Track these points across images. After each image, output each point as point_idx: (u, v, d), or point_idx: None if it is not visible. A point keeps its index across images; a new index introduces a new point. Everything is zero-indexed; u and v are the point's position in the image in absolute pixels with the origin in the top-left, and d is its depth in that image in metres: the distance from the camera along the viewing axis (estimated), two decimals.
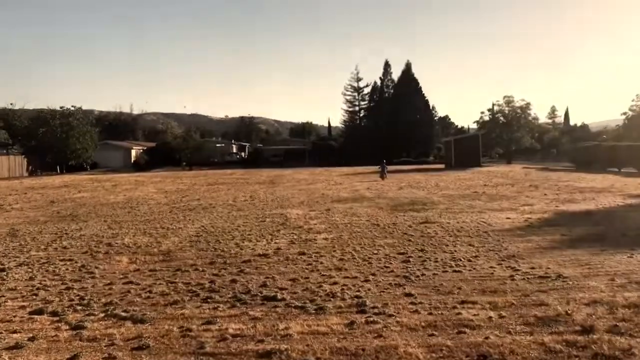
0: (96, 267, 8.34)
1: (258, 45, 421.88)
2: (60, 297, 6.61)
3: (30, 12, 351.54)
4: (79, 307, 6.15)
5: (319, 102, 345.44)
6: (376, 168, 35.73)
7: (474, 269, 7.80)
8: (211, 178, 36.09)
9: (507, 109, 51.99)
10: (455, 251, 9.10)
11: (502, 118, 52.34)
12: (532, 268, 7.74)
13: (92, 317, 5.77)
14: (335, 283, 7.08)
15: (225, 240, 10.67)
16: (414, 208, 15.47)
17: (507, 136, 51.63)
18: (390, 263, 8.26)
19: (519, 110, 51.66)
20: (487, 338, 4.92)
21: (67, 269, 8.25)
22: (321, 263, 8.37)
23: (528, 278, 7.15)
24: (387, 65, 74.25)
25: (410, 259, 8.49)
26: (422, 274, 7.48)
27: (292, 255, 8.99)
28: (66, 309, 6.10)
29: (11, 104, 77.71)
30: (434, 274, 7.49)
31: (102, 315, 5.86)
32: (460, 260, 8.37)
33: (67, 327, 5.46)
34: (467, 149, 44.22)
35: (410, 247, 9.58)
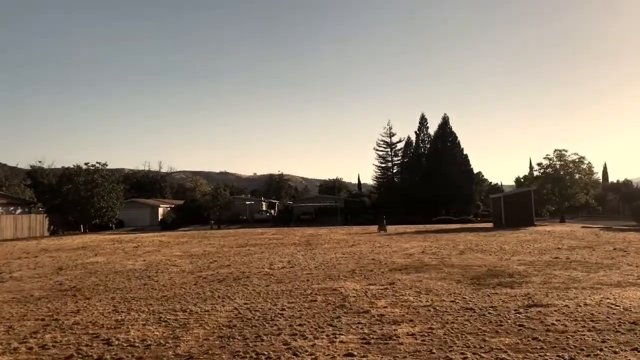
0: None
1: (286, 106, 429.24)
2: None
3: (60, 73, 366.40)
4: None
5: (347, 158, 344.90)
6: (420, 227, 32.77)
7: None
8: (241, 238, 33.19)
9: (558, 163, 48.26)
10: None
11: (552, 173, 48.52)
12: None
13: None
14: None
15: (269, 335, 7.55)
16: (502, 282, 12.14)
17: (559, 192, 47.66)
18: None
19: (571, 165, 47.91)
20: None
21: None
22: None
23: None
24: (423, 119, 72.06)
25: None
26: None
27: None
28: None
29: (39, 162, 77.76)
30: None
31: None
32: None
33: None
34: (518, 206, 40.35)
35: (548, 353, 6.32)
